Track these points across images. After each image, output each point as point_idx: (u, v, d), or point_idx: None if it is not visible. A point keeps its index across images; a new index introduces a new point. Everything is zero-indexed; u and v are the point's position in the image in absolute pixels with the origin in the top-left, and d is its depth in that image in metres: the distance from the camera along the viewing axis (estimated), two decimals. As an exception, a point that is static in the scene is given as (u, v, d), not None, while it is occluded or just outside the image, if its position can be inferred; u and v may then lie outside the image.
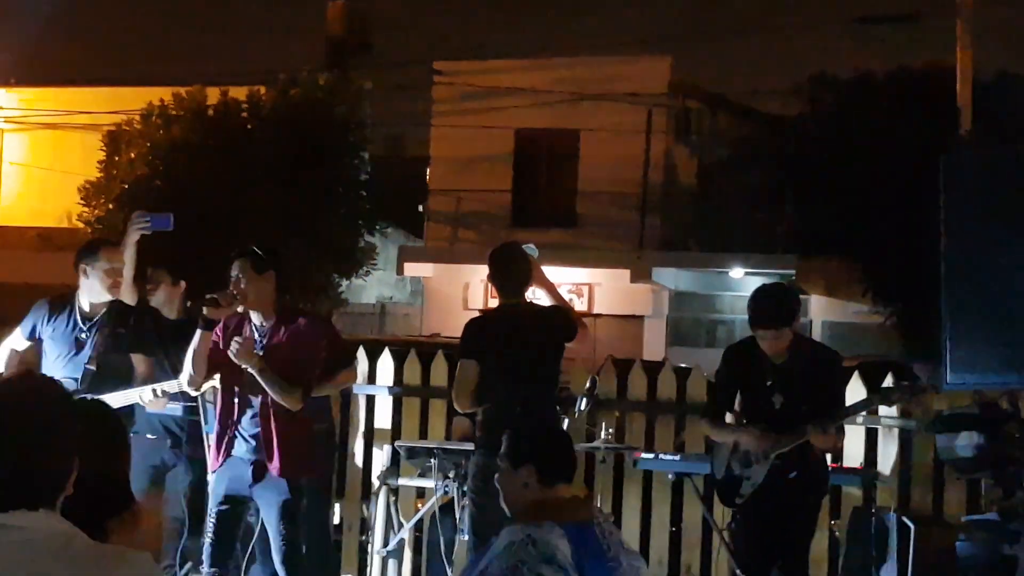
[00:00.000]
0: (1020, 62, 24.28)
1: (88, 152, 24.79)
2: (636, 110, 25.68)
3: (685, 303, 26.15)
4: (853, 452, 8.30)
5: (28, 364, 7.62)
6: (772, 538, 6.87)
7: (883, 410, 8.31)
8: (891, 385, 6.94)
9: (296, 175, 22.22)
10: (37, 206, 28.45)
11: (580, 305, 24.48)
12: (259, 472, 6.91)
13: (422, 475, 8.44)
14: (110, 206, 22.54)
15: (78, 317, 7.55)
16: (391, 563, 8.80)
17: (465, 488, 7.38)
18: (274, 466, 6.85)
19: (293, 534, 6.92)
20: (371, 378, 9.46)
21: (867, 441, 8.34)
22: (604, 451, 8.27)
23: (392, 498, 8.88)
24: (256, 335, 6.98)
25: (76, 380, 7.30)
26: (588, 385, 8.31)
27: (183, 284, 8.52)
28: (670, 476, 8.51)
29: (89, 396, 7.03)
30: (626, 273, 24.78)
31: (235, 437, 6.97)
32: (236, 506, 6.99)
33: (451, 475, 7.85)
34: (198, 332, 6.97)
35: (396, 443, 8.71)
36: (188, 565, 7.65)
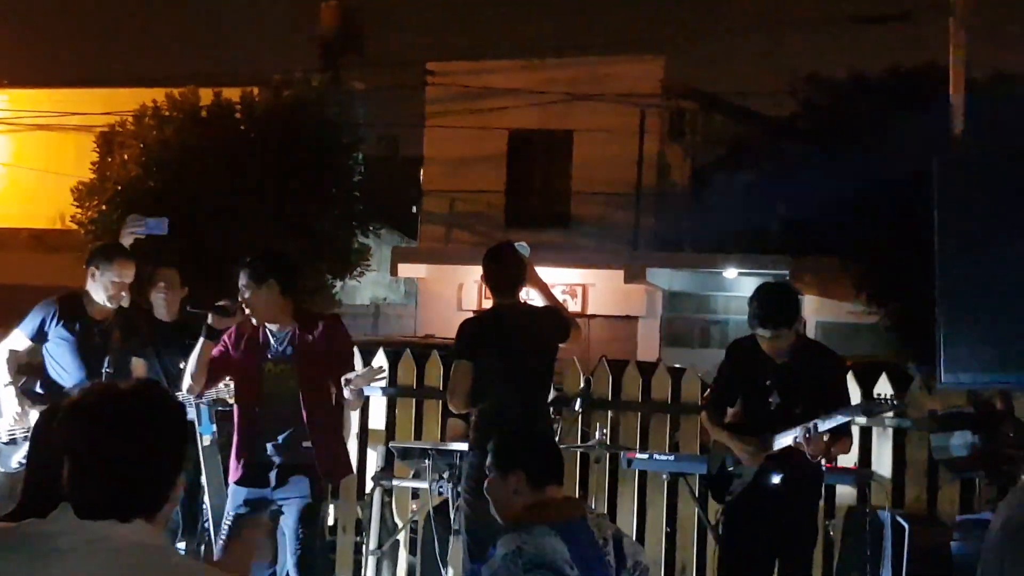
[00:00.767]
0: (1014, 62, 24.27)
1: (81, 153, 24.81)
2: (629, 110, 25.68)
3: (679, 303, 26.16)
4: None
5: (32, 364, 7.58)
6: (761, 540, 6.86)
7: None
8: (874, 398, 6.89)
9: (290, 176, 22.23)
10: (30, 207, 28.44)
11: (574, 306, 24.49)
12: (283, 474, 6.84)
13: (416, 476, 8.44)
14: (103, 207, 22.55)
15: (91, 320, 7.52)
16: (385, 564, 8.80)
17: (459, 489, 7.37)
18: (319, 466, 6.82)
19: (310, 539, 6.84)
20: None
21: (861, 440, 8.34)
22: (598, 451, 8.27)
23: (386, 499, 8.88)
24: (272, 341, 6.91)
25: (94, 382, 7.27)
26: (582, 386, 8.30)
27: (187, 289, 8.51)
28: (664, 476, 8.52)
29: None
30: (620, 273, 24.79)
31: (260, 448, 6.90)
32: (256, 509, 6.90)
33: (445, 476, 7.84)
34: (200, 340, 6.88)
35: (390, 444, 8.70)
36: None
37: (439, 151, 27.61)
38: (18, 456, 7.21)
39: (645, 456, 8.31)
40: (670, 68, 26.81)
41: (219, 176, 21.60)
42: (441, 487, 7.91)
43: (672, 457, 8.31)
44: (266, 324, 6.91)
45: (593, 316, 25.09)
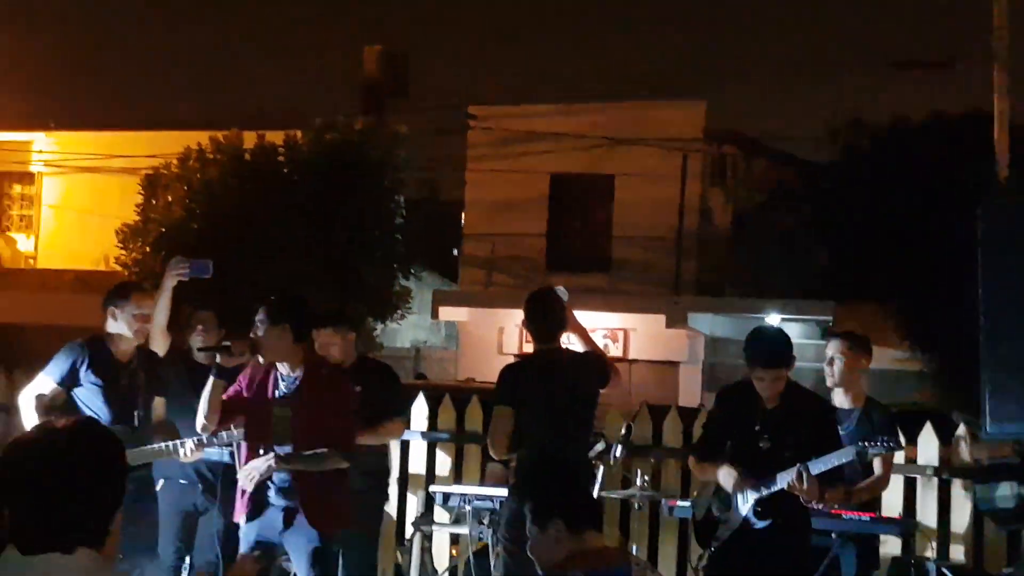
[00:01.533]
0: (1058, 107, 24.14)
1: (126, 195, 24.96)
2: (671, 154, 25.69)
3: (721, 349, 26.05)
4: (892, 501, 8.23)
5: (56, 409, 7.56)
6: None
7: (921, 459, 8.25)
8: (866, 443, 6.79)
9: (332, 219, 22.29)
10: (75, 249, 28.64)
11: (615, 350, 24.43)
12: (289, 518, 6.84)
13: (456, 521, 8.40)
14: (147, 249, 22.65)
15: (116, 362, 7.52)
16: (425, 609, 8.75)
17: (499, 535, 7.34)
18: (306, 517, 6.78)
19: None
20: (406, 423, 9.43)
21: (906, 490, 8.26)
22: (639, 498, 8.22)
23: (426, 544, 8.84)
24: (281, 383, 6.91)
25: (128, 426, 7.28)
26: (623, 431, 8.26)
27: (223, 331, 8.52)
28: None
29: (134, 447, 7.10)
30: (661, 318, 24.72)
31: (266, 487, 6.92)
32: (267, 552, 6.95)
33: (485, 521, 7.81)
34: (211, 379, 6.91)
35: (430, 488, 8.67)
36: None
37: (481, 194, 27.67)
38: None
39: (687, 503, 8.25)
40: (712, 112, 26.82)
41: (262, 218, 21.69)
42: (481, 532, 7.87)
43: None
44: (278, 367, 6.92)
45: (634, 361, 25.01)
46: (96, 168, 28.66)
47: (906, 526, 7.90)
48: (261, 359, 6.92)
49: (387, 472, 9.11)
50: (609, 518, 8.55)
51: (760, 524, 6.70)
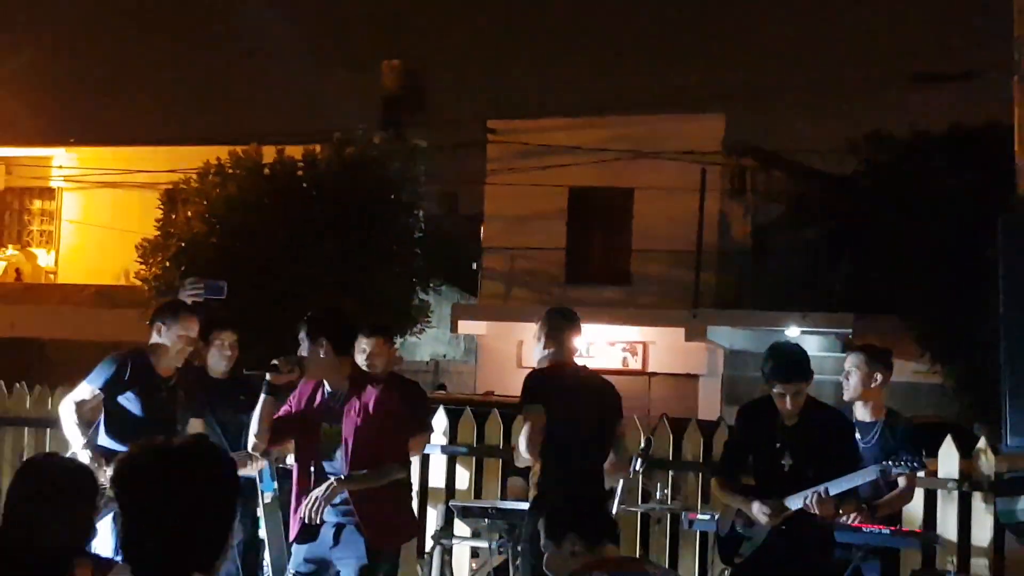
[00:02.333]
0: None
1: (145, 210, 25.05)
2: (690, 168, 25.65)
3: (740, 362, 25.98)
4: (912, 514, 8.20)
5: (87, 419, 7.62)
6: None
7: (942, 472, 8.22)
8: (890, 462, 6.77)
9: (351, 233, 22.33)
10: (95, 263, 28.73)
11: (634, 363, 24.42)
12: (339, 534, 6.80)
13: (476, 534, 8.40)
14: (167, 264, 22.72)
15: (157, 376, 7.58)
16: (445, 623, 8.75)
17: (519, 548, 7.34)
18: (363, 531, 6.73)
19: None
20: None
21: (926, 503, 8.24)
22: (659, 511, 8.21)
23: (446, 557, 8.84)
24: (329, 400, 6.86)
25: None
26: (642, 445, 8.27)
27: (237, 352, 8.56)
28: (726, 537, 8.43)
29: None
30: (680, 331, 24.69)
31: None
32: (317, 568, 6.91)
33: (505, 535, 7.81)
34: (262, 397, 6.86)
35: (450, 502, 8.67)
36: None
37: (499, 208, 27.67)
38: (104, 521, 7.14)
39: (706, 517, 8.24)
40: (731, 126, 26.78)
41: (281, 232, 21.74)
42: (501, 546, 7.87)
43: (734, 518, 8.22)
44: (324, 384, 6.89)
45: (654, 374, 24.98)
46: (116, 183, 28.75)
47: (927, 539, 7.87)
48: (306, 378, 6.88)
49: (411, 486, 9.14)
50: (628, 532, 8.53)
51: (784, 542, 6.70)
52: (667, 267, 26.31)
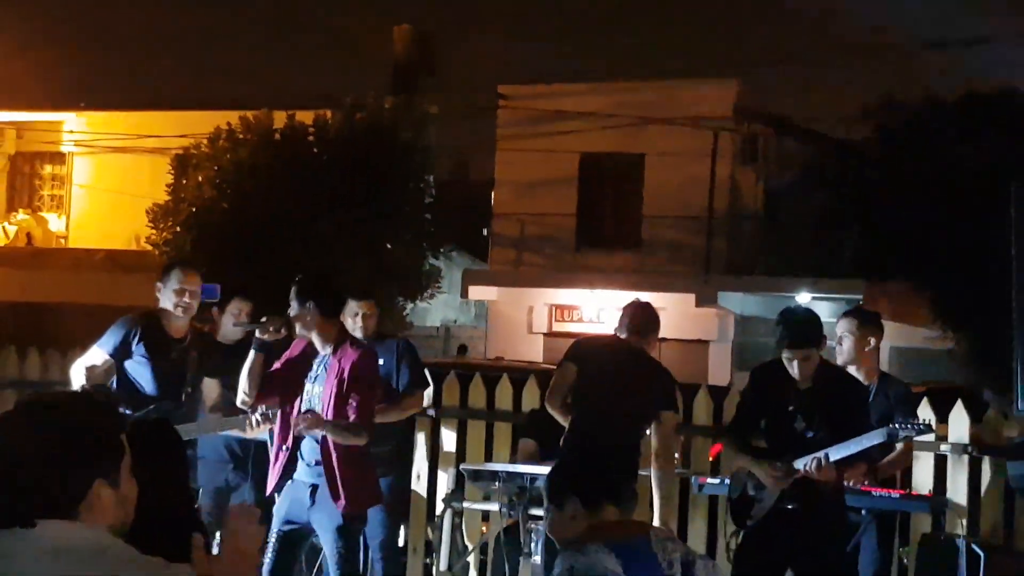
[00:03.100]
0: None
1: (156, 175, 25.05)
2: (701, 134, 25.61)
3: (751, 328, 26.00)
4: (922, 479, 8.22)
5: (96, 380, 7.65)
6: (776, 565, 6.82)
7: (952, 436, 8.22)
8: (897, 424, 6.77)
9: (362, 198, 22.33)
10: (106, 228, 28.77)
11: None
12: (314, 494, 6.96)
13: (487, 498, 8.43)
14: (177, 228, 22.75)
15: (167, 337, 7.61)
16: (456, 586, 8.79)
17: (531, 512, 7.39)
18: (335, 499, 6.87)
19: (350, 555, 6.96)
20: (436, 401, 9.48)
21: (936, 468, 8.24)
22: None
23: (457, 520, 8.88)
24: (314, 361, 7.07)
25: (174, 402, 7.39)
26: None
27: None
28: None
29: (192, 424, 7.25)
30: (691, 297, 24.69)
31: (296, 459, 7.02)
32: (297, 528, 7.05)
33: (515, 498, 7.83)
34: (252, 353, 7.03)
35: (461, 466, 8.71)
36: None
37: (510, 174, 27.65)
38: None
39: (716, 481, 8.26)
40: (743, 91, 26.72)
41: (292, 198, 21.74)
42: (511, 510, 7.89)
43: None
44: (315, 343, 7.06)
45: (664, 339, 24.92)
46: (127, 148, 28.76)
47: (937, 504, 7.89)
48: (297, 335, 7.07)
49: (410, 448, 9.22)
50: (639, 495, 8.55)
51: (792, 505, 6.72)
52: (678, 233, 26.30)
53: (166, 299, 7.60)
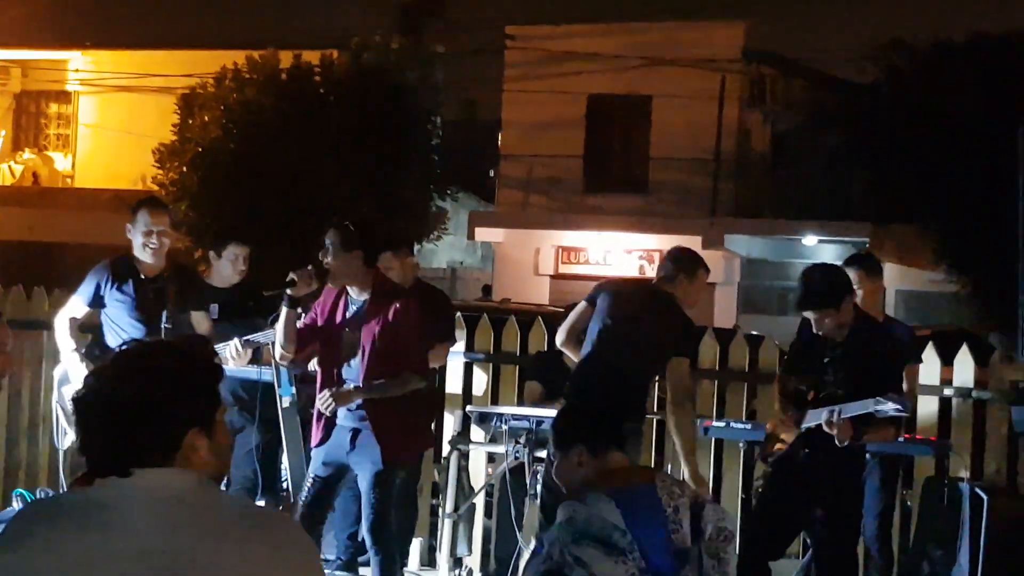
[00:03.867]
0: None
1: (162, 115, 25.00)
2: (709, 76, 25.52)
3: (757, 270, 26.00)
4: (927, 423, 8.24)
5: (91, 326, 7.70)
6: (787, 508, 6.89)
7: (956, 380, 8.24)
8: (889, 396, 6.74)
9: (368, 139, 22.30)
10: (112, 168, 28.73)
11: (651, 271, 24.34)
12: (355, 439, 6.92)
13: (493, 440, 8.45)
14: (183, 168, 22.73)
15: (143, 278, 7.61)
16: (462, 527, 8.83)
17: (536, 454, 7.41)
18: (377, 445, 6.85)
19: (384, 504, 6.95)
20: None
21: (940, 411, 8.26)
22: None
23: (463, 462, 8.90)
24: (352, 306, 6.98)
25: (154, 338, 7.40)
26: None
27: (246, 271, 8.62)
28: (741, 444, 8.46)
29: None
30: (698, 240, 24.58)
31: (336, 412, 6.97)
32: (335, 471, 7.05)
33: (521, 440, 7.85)
34: (284, 310, 6.97)
35: (467, 408, 8.73)
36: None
37: (518, 115, 27.59)
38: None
39: (722, 424, 8.28)
40: (751, 33, 26.60)
41: (298, 139, 21.71)
42: (517, 451, 7.92)
43: (749, 425, 8.26)
44: (348, 291, 6.99)
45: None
46: (132, 87, 28.68)
47: (941, 447, 7.91)
48: (332, 284, 6.99)
49: (434, 395, 9.22)
50: (644, 439, 8.58)
51: (804, 452, 6.78)
52: (685, 175, 26.24)
53: (135, 240, 7.59)
